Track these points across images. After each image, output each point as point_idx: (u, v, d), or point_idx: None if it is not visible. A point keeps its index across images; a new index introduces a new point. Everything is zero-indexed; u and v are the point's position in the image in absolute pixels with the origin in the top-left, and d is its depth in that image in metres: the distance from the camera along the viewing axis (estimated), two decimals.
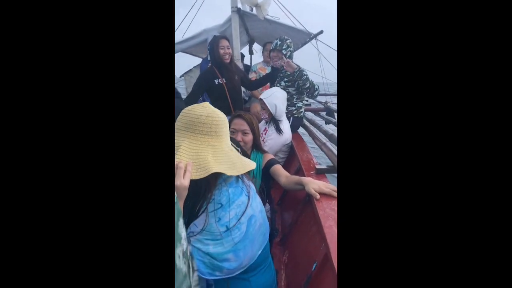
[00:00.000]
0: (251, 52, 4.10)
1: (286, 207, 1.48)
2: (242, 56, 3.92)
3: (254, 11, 2.56)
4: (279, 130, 1.72)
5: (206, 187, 0.71)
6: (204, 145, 0.71)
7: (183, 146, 0.69)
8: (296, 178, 1.07)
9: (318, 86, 1.96)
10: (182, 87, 3.76)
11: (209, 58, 2.17)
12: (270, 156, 1.26)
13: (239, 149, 0.83)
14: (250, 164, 0.76)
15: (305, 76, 1.93)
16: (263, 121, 1.90)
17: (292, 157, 1.80)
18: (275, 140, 1.71)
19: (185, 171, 0.63)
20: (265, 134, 1.76)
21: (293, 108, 2.04)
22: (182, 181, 0.62)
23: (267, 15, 2.49)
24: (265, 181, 1.26)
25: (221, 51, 1.96)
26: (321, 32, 2.77)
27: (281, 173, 1.15)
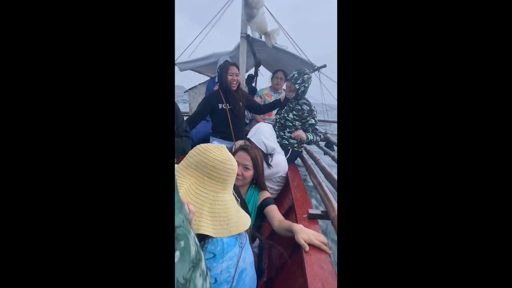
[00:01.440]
0: (256, 75, 4.17)
1: (274, 245, 1.44)
2: (250, 78, 3.99)
3: (263, 38, 2.61)
4: (268, 164, 1.71)
5: (202, 235, 0.68)
6: (207, 191, 0.70)
7: (185, 186, 0.67)
8: (287, 224, 1.04)
9: (320, 133, 2.03)
10: (186, 103, 3.80)
11: (216, 80, 2.19)
12: (266, 195, 1.24)
13: (239, 199, 0.82)
14: (245, 223, 0.75)
15: (314, 116, 1.97)
16: None
17: (286, 191, 1.78)
18: (265, 170, 1.70)
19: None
20: None
21: (295, 142, 2.04)
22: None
23: (276, 43, 2.54)
24: (259, 219, 1.24)
25: (229, 77, 1.98)
26: (324, 66, 2.82)
27: (275, 216, 1.12)
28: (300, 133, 1.91)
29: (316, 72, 2.98)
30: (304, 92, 2.01)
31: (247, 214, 0.80)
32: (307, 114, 1.97)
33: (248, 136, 1.78)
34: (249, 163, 1.24)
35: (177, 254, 0.36)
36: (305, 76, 1.99)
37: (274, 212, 1.15)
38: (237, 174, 1.22)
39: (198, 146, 0.74)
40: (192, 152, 0.73)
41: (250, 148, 1.28)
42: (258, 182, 1.28)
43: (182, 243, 0.37)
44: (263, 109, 2.31)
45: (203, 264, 0.43)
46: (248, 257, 0.76)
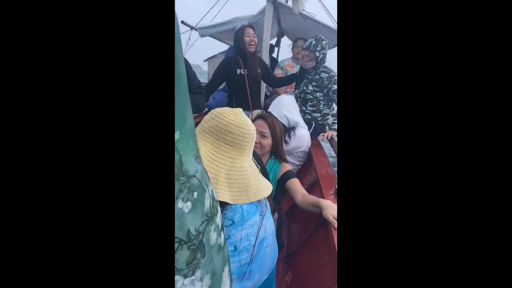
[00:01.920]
0: (277, 45, 3.96)
1: (295, 219, 1.40)
2: (272, 47, 3.80)
3: (290, 3, 2.42)
4: (289, 137, 1.63)
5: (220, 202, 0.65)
6: (224, 157, 0.65)
7: (200, 152, 0.62)
8: (313, 199, 0.98)
9: None
10: (205, 72, 3.70)
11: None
12: (288, 167, 1.18)
13: (259, 166, 0.76)
14: (265, 190, 0.70)
15: (335, 82, 1.81)
16: None
17: (308, 166, 1.70)
18: (287, 144, 1.61)
19: None
20: None
21: (319, 115, 1.93)
22: None
23: (303, 10, 2.35)
24: (278, 191, 1.19)
25: (247, 39, 1.86)
26: None
27: (298, 190, 1.07)
28: (326, 133, 1.76)
29: None
30: (323, 59, 1.86)
31: (268, 182, 0.76)
32: (328, 82, 1.82)
33: (269, 110, 1.69)
34: (266, 130, 1.18)
35: (188, 204, 0.35)
36: (323, 42, 1.84)
37: (296, 186, 1.09)
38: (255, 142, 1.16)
39: (213, 110, 0.69)
40: (207, 116, 0.69)
41: (267, 115, 1.22)
42: (277, 152, 1.22)
43: (195, 194, 0.36)
44: (277, 82, 2.19)
45: (218, 219, 0.42)
46: (269, 226, 0.73)
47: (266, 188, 0.71)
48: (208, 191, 0.40)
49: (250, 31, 1.87)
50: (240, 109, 0.71)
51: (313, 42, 1.83)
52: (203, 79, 3.86)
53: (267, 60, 2.60)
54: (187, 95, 0.37)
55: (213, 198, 0.41)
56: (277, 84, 2.21)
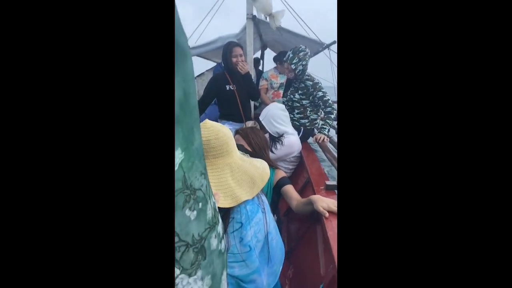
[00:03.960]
0: (262, 58, 4.13)
1: (293, 218, 1.49)
2: (257, 61, 3.96)
3: (268, 20, 2.58)
4: (280, 145, 1.72)
5: (226, 209, 0.70)
6: (221, 168, 0.71)
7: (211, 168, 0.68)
8: (305, 199, 1.07)
9: (332, 102, 1.94)
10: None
11: (222, 64, 2.20)
12: (281, 174, 1.26)
13: (247, 154, 0.83)
14: (265, 169, 0.77)
15: (320, 89, 1.93)
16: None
17: (301, 168, 1.81)
18: (277, 152, 1.71)
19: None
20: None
21: (306, 121, 2.05)
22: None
23: (280, 25, 2.51)
24: (275, 197, 1.27)
25: (234, 59, 1.97)
26: (334, 42, 2.77)
27: (293, 196, 1.15)
28: (318, 135, 1.86)
29: (326, 51, 2.93)
30: (304, 70, 1.96)
31: (261, 161, 0.82)
32: (313, 89, 1.94)
33: (260, 118, 1.80)
34: (242, 142, 1.24)
35: (194, 213, 0.39)
36: (301, 53, 1.94)
37: (291, 192, 1.17)
38: None
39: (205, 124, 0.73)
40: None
41: (240, 129, 1.29)
42: (263, 156, 1.27)
43: (200, 204, 0.40)
44: (254, 94, 2.22)
45: (219, 227, 0.47)
46: (270, 221, 0.79)
47: (264, 168, 0.77)
48: (211, 203, 0.43)
49: (237, 51, 1.97)
50: (206, 120, 0.76)
51: (290, 55, 1.96)
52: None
53: (252, 74, 2.74)
54: (197, 119, 0.39)
55: (214, 209, 0.45)
56: (254, 95, 2.25)
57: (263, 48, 3.98)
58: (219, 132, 0.73)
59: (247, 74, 2.01)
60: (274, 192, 1.26)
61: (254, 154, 1.27)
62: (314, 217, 1.15)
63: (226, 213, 0.71)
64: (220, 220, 0.49)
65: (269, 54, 4.06)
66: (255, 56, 3.87)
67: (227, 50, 2.00)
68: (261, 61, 4.15)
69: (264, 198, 0.82)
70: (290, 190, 1.19)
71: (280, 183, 1.23)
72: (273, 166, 1.30)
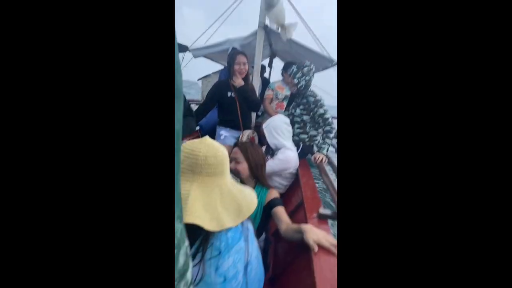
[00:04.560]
0: (270, 66, 4.09)
1: (282, 239, 1.44)
2: (263, 68, 3.93)
3: (280, 31, 2.55)
4: (271, 156, 1.69)
5: (205, 233, 0.67)
6: (211, 188, 0.68)
7: (193, 193, 0.65)
8: (295, 226, 1.02)
9: (332, 120, 1.91)
10: (198, 91, 3.79)
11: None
12: (274, 194, 1.22)
13: (238, 179, 0.80)
14: (253, 199, 0.74)
15: (321, 106, 1.90)
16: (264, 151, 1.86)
17: (295, 186, 1.76)
18: (273, 165, 1.66)
19: None
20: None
21: (305, 136, 2.01)
22: None
23: (291, 37, 2.47)
24: (264, 217, 1.23)
25: (236, 67, 1.94)
26: None
27: (283, 219, 1.10)
28: (317, 155, 1.84)
29: (335, 67, 2.90)
30: (307, 86, 1.95)
31: (250, 189, 0.79)
32: (314, 105, 1.91)
33: (263, 126, 1.77)
34: (239, 155, 1.22)
35: None
36: (305, 69, 1.92)
37: (281, 215, 1.13)
38: (232, 169, 1.21)
39: (183, 146, 0.71)
40: (181, 157, 0.69)
41: (240, 143, 1.27)
42: (258, 177, 1.25)
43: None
44: (255, 101, 2.15)
45: (188, 274, 0.45)
46: (253, 250, 0.75)
47: (252, 199, 0.74)
48: (184, 247, 0.42)
49: (241, 59, 1.94)
50: (206, 136, 0.74)
51: (294, 70, 1.94)
52: (197, 96, 3.94)
53: (258, 82, 2.71)
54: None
55: (186, 254, 0.44)
56: (254, 107, 2.21)
57: (272, 57, 3.94)
58: (218, 151, 0.71)
59: (242, 88, 1.97)
60: (264, 212, 1.22)
61: (250, 169, 1.23)
62: (303, 245, 1.10)
63: (205, 237, 0.68)
64: (191, 265, 0.46)
65: (277, 63, 4.03)
66: (262, 63, 3.85)
67: (230, 58, 1.97)
68: (269, 69, 4.11)
69: (249, 225, 0.78)
70: (280, 212, 1.15)
71: (272, 204, 1.19)
72: (266, 185, 1.26)
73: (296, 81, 1.91)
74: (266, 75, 4.08)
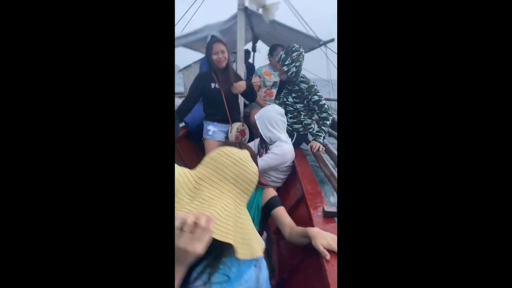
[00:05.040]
0: (254, 50, 3.92)
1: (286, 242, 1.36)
2: (247, 53, 3.74)
3: (261, 12, 2.38)
4: (267, 150, 1.59)
5: (217, 253, 0.58)
6: (244, 207, 0.61)
7: (229, 207, 0.57)
8: (301, 229, 0.93)
9: (328, 107, 1.79)
10: (180, 83, 3.59)
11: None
12: (272, 193, 1.12)
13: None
14: (262, 242, 0.65)
15: (315, 92, 1.78)
16: (257, 144, 1.75)
17: (293, 179, 1.67)
18: (269, 160, 1.56)
19: (202, 230, 0.46)
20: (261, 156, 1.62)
21: (300, 126, 1.90)
22: (196, 246, 0.46)
23: (273, 19, 2.31)
24: (263, 220, 1.13)
25: (215, 57, 1.79)
26: (332, 40, 2.60)
27: (285, 222, 1.01)
28: (313, 144, 1.72)
29: (323, 47, 2.76)
30: (297, 72, 1.79)
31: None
32: (308, 92, 1.79)
33: (256, 117, 1.65)
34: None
35: None
36: (294, 54, 1.75)
37: (283, 217, 1.03)
38: None
39: (229, 151, 0.62)
40: (223, 158, 0.61)
41: (226, 143, 1.18)
42: None
43: None
44: (254, 94, 2.06)
45: None
46: (263, 278, 0.67)
47: (262, 242, 0.66)
48: None
49: (218, 47, 1.78)
50: (246, 151, 0.67)
51: (282, 56, 1.78)
52: (179, 88, 3.75)
53: (243, 69, 2.55)
54: None
55: None
56: (254, 96, 2.12)
57: (254, 40, 3.76)
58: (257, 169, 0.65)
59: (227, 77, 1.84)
60: (263, 212, 1.13)
61: None
62: (310, 247, 1.02)
63: (217, 258, 0.59)
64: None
65: (262, 46, 3.86)
66: (245, 48, 3.67)
67: (208, 48, 1.82)
68: (253, 53, 3.94)
69: None
70: (281, 214, 1.05)
71: (271, 204, 1.08)
72: (260, 186, 1.15)
73: (285, 68, 1.77)
74: (250, 60, 3.91)
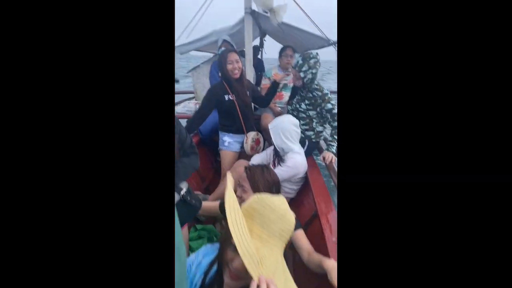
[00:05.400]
0: (261, 46, 3.85)
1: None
2: (256, 49, 3.68)
3: (269, 14, 2.32)
4: (279, 164, 1.61)
5: None
6: (282, 260, 0.60)
7: (279, 260, 0.57)
8: (318, 259, 0.96)
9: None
10: (190, 84, 3.60)
11: (219, 73, 1.99)
12: None
13: None
14: None
15: (329, 100, 1.77)
16: (270, 154, 1.76)
17: (306, 189, 1.69)
18: (282, 173, 1.57)
19: None
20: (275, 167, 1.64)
21: (312, 133, 1.90)
22: None
23: (282, 21, 2.26)
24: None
25: (230, 66, 1.79)
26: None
27: (303, 246, 1.04)
28: (326, 154, 1.72)
29: (333, 47, 2.69)
30: (313, 79, 1.78)
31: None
32: (321, 100, 1.78)
33: (270, 126, 1.66)
34: (246, 184, 1.11)
35: None
36: (311, 61, 1.73)
37: (301, 242, 1.05)
38: (237, 196, 1.12)
39: (272, 204, 0.60)
40: (270, 214, 0.59)
41: (250, 167, 1.16)
42: None
43: None
44: (265, 100, 2.08)
45: None
46: None
47: None
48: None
49: (232, 56, 1.79)
50: (283, 199, 0.65)
51: (299, 62, 1.77)
52: (190, 87, 3.76)
53: (251, 73, 2.54)
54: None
55: None
56: (266, 101, 2.13)
57: (262, 36, 3.69)
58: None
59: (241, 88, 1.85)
60: None
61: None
62: (323, 275, 1.05)
63: None
64: None
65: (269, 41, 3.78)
66: (253, 44, 3.61)
67: (222, 58, 1.82)
68: (261, 50, 3.88)
69: None
70: (300, 238, 1.08)
71: None
72: None
73: (302, 75, 1.75)
74: (258, 56, 3.86)
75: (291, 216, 0.62)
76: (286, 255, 1.34)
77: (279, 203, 0.62)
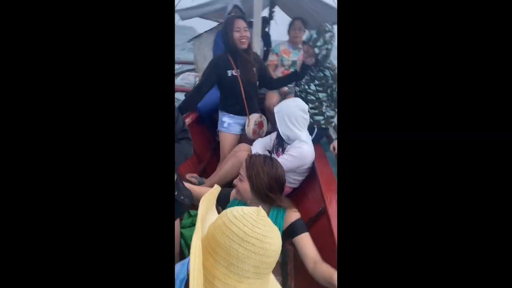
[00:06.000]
0: (271, 17, 3.55)
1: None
2: (265, 21, 3.39)
3: None
4: (282, 150, 1.47)
5: None
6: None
7: None
8: (326, 272, 0.83)
9: None
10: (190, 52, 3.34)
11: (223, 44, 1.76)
12: (295, 216, 0.99)
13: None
14: None
15: None
16: (274, 139, 1.59)
17: (312, 182, 1.55)
18: (286, 162, 1.41)
19: None
20: (278, 156, 1.48)
21: (321, 118, 1.72)
22: None
23: None
24: (283, 243, 1.04)
25: (237, 34, 1.57)
26: None
27: (309, 254, 0.90)
28: (336, 144, 1.52)
29: None
30: (327, 56, 1.57)
31: None
32: (333, 81, 1.59)
33: (275, 110, 1.48)
34: (242, 172, 1.00)
35: None
36: (327, 34, 1.52)
37: (306, 247, 0.92)
38: (233, 184, 1.04)
39: (247, 231, 0.44)
40: (239, 249, 0.43)
41: (252, 155, 1.03)
42: (268, 198, 0.99)
43: None
44: (275, 84, 1.91)
45: None
46: None
47: None
48: None
49: (240, 23, 1.57)
50: (265, 214, 0.50)
51: (314, 36, 1.54)
52: (190, 57, 3.52)
53: (259, 45, 2.30)
54: None
55: None
56: (276, 85, 1.93)
57: (272, 6, 3.38)
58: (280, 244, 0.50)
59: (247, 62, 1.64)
60: (284, 237, 1.02)
61: (252, 191, 0.99)
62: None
63: None
64: None
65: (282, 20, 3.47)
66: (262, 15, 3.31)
67: (227, 25, 1.59)
68: (269, 22, 3.57)
69: None
70: (305, 243, 0.94)
71: (293, 229, 0.97)
72: (282, 205, 1.03)
73: (316, 50, 1.54)
74: (266, 29, 3.56)
75: (274, 245, 0.46)
76: (285, 252, 1.23)
77: (251, 226, 0.45)
